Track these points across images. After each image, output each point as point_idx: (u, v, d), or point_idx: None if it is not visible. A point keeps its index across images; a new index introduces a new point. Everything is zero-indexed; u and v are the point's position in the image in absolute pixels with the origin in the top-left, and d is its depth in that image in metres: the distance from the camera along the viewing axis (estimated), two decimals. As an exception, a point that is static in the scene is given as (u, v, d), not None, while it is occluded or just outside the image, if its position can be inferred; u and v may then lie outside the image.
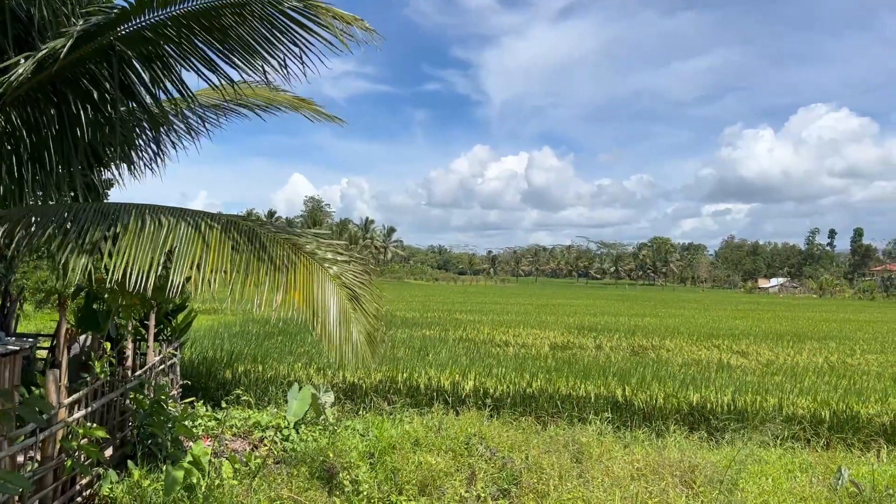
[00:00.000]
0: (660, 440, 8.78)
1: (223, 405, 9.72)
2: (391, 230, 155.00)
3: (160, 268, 4.97)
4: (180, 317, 10.32)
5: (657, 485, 6.67)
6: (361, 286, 5.98)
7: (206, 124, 8.18)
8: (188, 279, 4.98)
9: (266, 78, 5.82)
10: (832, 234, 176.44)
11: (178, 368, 9.79)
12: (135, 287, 4.77)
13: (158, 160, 7.59)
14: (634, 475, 6.95)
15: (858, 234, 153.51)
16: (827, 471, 7.61)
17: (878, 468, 7.68)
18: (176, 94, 6.15)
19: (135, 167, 7.66)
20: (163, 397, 7.41)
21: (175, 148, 7.99)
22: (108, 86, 5.99)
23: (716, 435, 9.45)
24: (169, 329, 10.07)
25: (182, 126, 7.81)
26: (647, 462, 7.27)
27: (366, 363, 5.54)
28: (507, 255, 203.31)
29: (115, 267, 4.79)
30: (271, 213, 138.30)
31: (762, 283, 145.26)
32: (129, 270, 4.77)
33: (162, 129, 7.44)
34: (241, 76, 5.69)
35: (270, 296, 5.07)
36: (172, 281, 4.90)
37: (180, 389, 9.82)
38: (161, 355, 8.85)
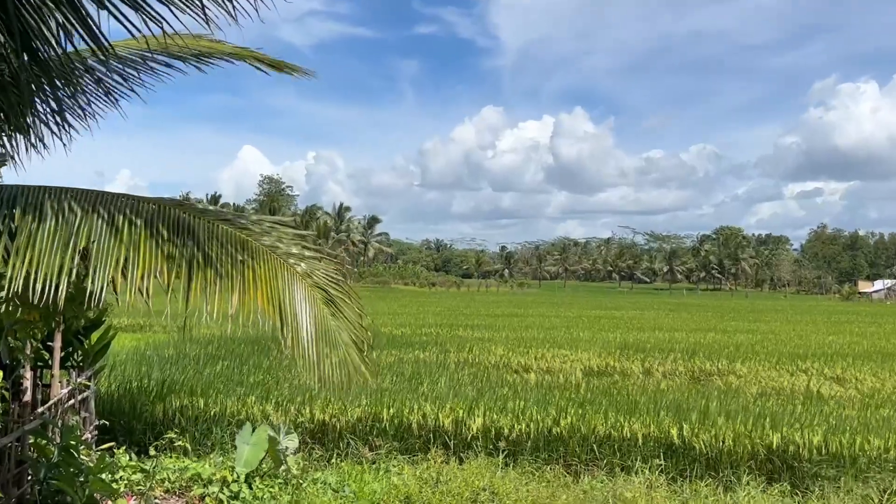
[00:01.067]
0: (728, 495, 8.79)
1: (152, 452, 9.72)
2: (374, 220, 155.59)
3: (74, 272, 4.98)
4: (95, 336, 10.30)
5: (725, 554, 6.68)
6: (337, 288, 6.03)
7: (127, 82, 8.15)
8: (111, 283, 5.01)
9: (205, 14, 5.79)
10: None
11: (92, 404, 9.78)
12: (42, 298, 4.77)
13: (63, 131, 7.57)
14: (695, 542, 6.95)
15: None
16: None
17: None
18: (83, 46, 6.10)
19: (34, 139, 7.64)
20: (73, 443, 7.40)
21: (87, 117, 7.96)
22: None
23: (802, 487, 9.45)
24: (80, 352, 10.04)
25: (93, 85, 7.78)
26: (711, 524, 7.28)
27: (358, 384, 5.61)
28: (526, 253, 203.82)
29: (13, 271, 4.78)
30: (215, 198, 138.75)
31: (863, 286, 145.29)
32: (32, 276, 4.77)
33: (66, 91, 7.41)
34: (174, 13, 5.64)
35: (224, 303, 5.13)
36: (91, 289, 4.91)
37: (96, 432, 9.81)
38: (70, 387, 8.84)
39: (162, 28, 5.62)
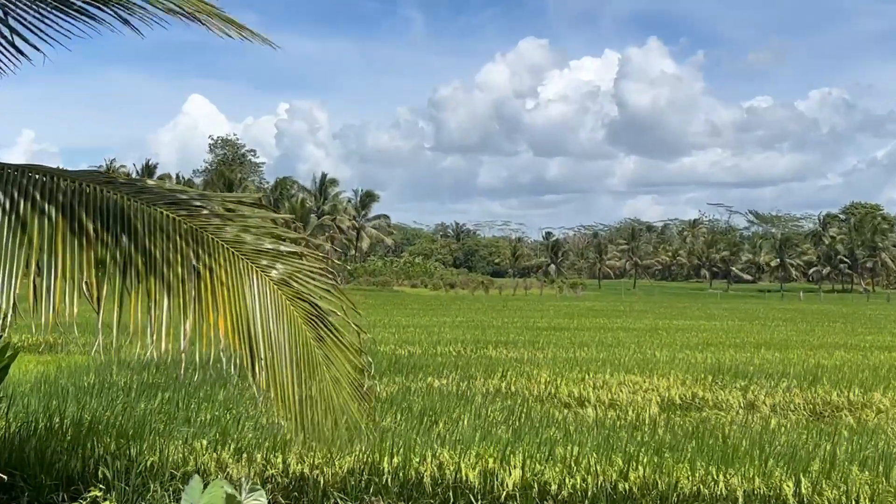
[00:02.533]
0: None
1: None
2: (369, 198, 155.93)
3: None
4: (-13, 358, 10.39)
5: None
6: (327, 296, 6.04)
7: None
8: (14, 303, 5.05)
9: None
10: None
11: (-16, 451, 9.85)
12: None
13: None
14: None
15: None
16: None
17: None
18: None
19: None
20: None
21: None
22: None
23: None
24: (-33, 380, 10.13)
25: None
26: None
27: (351, 434, 5.66)
28: (580, 241, 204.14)
29: None
30: (150, 168, 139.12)
31: None
32: None
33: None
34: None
35: (173, 327, 5.15)
36: None
37: (-10, 489, 9.88)
38: (-46, 427, 8.91)
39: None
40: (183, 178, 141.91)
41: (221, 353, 5.26)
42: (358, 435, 5.80)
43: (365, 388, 6.00)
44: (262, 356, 5.40)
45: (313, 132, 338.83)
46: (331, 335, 5.87)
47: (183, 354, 5.19)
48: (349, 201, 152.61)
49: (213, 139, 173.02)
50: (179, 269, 5.40)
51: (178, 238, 5.55)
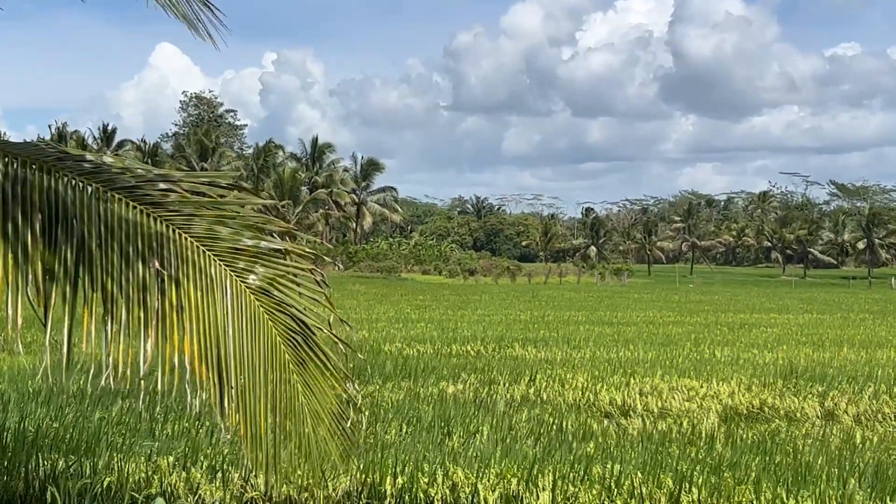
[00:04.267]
0: None
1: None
2: (372, 167, 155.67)
3: None
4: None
5: None
6: (313, 307, 6.01)
7: None
8: None
9: None
10: None
11: None
12: None
13: None
14: None
15: None
16: None
17: None
18: None
19: None
20: None
21: None
22: None
23: None
24: None
25: None
26: None
27: (331, 470, 5.69)
28: (627, 219, 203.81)
29: None
30: (107, 133, 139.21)
31: None
32: None
33: None
34: None
35: (131, 349, 5.18)
36: None
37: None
38: None
39: None
40: (148, 144, 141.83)
41: (186, 384, 5.26)
42: (335, 474, 5.81)
43: (349, 423, 5.98)
44: (234, 385, 5.38)
45: (305, 88, 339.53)
46: (314, 358, 5.82)
47: (142, 382, 5.20)
48: (347, 171, 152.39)
49: (185, 96, 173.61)
50: (138, 276, 5.37)
51: (137, 238, 5.50)
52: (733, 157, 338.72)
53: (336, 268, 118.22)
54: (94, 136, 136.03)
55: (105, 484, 11.11)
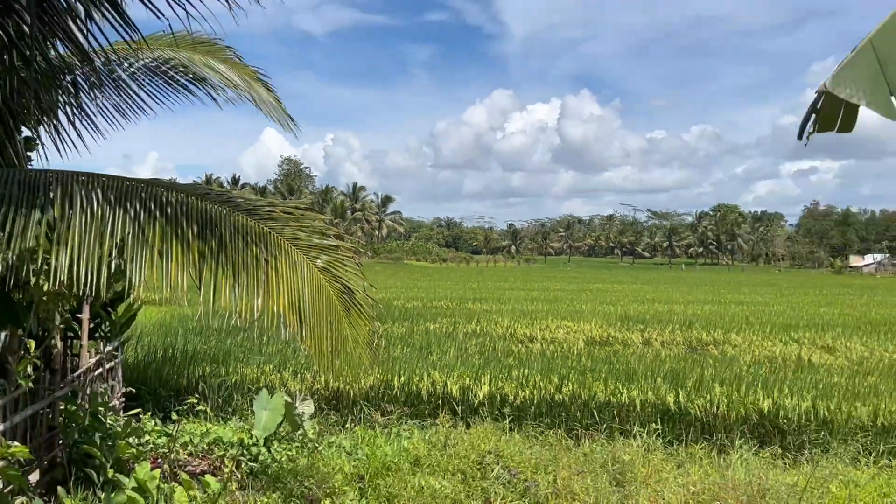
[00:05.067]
0: (722, 458, 8.78)
1: (175, 417, 9.77)
2: (387, 199, 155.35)
3: (112, 264, 5.03)
4: (121, 308, 10.33)
5: (718, 513, 6.68)
6: (354, 278, 6.00)
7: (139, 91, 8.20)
8: (145, 279, 5.06)
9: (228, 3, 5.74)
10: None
11: (119, 372, 9.84)
12: (84, 287, 4.82)
13: (81, 125, 7.60)
14: (689, 501, 6.96)
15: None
16: (933, 494, 7.59)
17: None
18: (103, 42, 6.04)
19: (58, 128, 7.64)
20: (101, 409, 7.44)
21: (107, 119, 8.00)
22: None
23: (792, 451, 9.44)
24: (108, 323, 10.07)
25: (112, 90, 7.82)
26: (705, 485, 7.27)
27: (364, 372, 5.67)
28: (532, 229, 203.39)
29: (56, 262, 4.82)
30: (235, 180, 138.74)
31: (854, 260, 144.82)
32: (75, 265, 4.81)
33: (91, 94, 7.46)
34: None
35: (249, 302, 5.16)
36: (131, 279, 4.97)
37: (123, 399, 9.87)
38: (98, 356, 8.88)
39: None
40: (258, 185, 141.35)
41: (281, 323, 5.27)
42: (366, 375, 5.79)
43: (374, 345, 5.99)
44: (308, 324, 5.39)
45: (349, 154, 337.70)
46: (354, 307, 5.83)
47: (255, 322, 5.19)
48: (373, 202, 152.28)
49: (281, 158, 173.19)
50: (253, 261, 5.37)
51: (252, 237, 5.50)
52: (593, 195, 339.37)
53: (367, 257, 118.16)
54: (227, 181, 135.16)
55: (232, 381, 11.06)
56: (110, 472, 7.02)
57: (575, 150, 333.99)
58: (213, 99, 8.61)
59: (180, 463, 8.13)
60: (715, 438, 9.76)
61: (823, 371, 13.59)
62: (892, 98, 3.34)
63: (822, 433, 9.66)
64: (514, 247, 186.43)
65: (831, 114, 3.51)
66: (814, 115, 3.54)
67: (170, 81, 8.40)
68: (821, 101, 3.49)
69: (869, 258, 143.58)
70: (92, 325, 9.56)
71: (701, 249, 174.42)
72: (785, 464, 8.91)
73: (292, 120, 9.10)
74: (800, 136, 3.57)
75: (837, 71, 3.45)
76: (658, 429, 9.74)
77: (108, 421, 7.68)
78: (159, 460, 8.03)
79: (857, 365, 14.65)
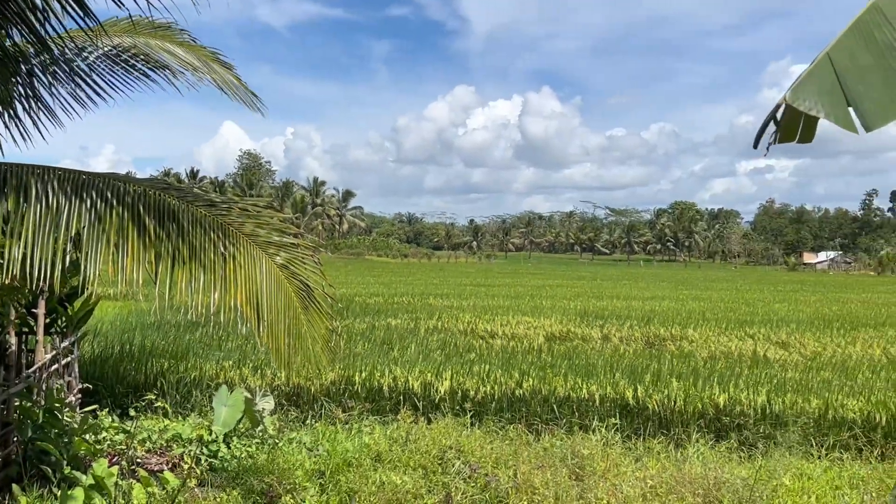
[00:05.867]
0: (679, 451, 8.92)
1: (133, 413, 9.66)
2: (348, 194, 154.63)
3: (67, 257, 4.95)
4: (78, 303, 10.18)
5: (675, 506, 6.78)
6: (314, 275, 5.98)
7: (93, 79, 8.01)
8: (101, 272, 4.99)
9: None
10: (894, 196, 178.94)
11: (76, 368, 9.70)
12: (38, 282, 4.74)
13: (39, 116, 7.43)
14: (647, 495, 7.05)
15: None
16: (882, 487, 7.79)
17: (943, 482, 7.86)
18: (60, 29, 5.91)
19: (15, 120, 7.47)
20: (57, 405, 7.33)
21: (64, 109, 7.82)
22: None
23: (748, 444, 9.60)
24: (64, 318, 9.93)
25: (66, 80, 7.65)
26: (662, 479, 7.38)
27: (322, 370, 5.65)
28: (493, 226, 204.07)
29: (9, 254, 4.74)
30: (194, 174, 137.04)
31: (808, 257, 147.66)
32: (29, 259, 4.73)
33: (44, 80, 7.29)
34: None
35: (206, 297, 5.12)
36: (87, 273, 4.90)
37: (79, 395, 9.73)
38: (54, 352, 8.75)
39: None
40: (217, 179, 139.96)
41: (238, 318, 5.24)
42: (325, 371, 5.80)
43: (332, 344, 5.98)
44: (265, 320, 5.37)
45: (310, 149, 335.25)
46: (313, 305, 5.82)
47: (212, 316, 5.16)
48: (334, 197, 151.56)
49: (240, 152, 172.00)
50: (211, 255, 5.33)
51: (211, 231, 5.46)
52: (554, 192, 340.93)
53: (328, 253, 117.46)
54: (186, 175, 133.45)
55: (191, 377, 10.95)
56: (67, 470, 6.92)
57: (536, 146, 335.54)
58: (173, 84, 8.44)
59: (138, 460, 8.04)
60: (672, 433, 9.89)
61: (778, 366, 13.85)
62: (850, 110, 3.42)
63: (776, 427, 9.84)
64: (475, 243, 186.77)
65: (791, 125, 3.57)
66: (773, 126, 3.60)
67: (128, 68, 8.23)
68: (780, 113, 3.55)
69: (822, 255, 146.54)
70: (48, 321, 9.42)
71: (659, 246, 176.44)
72: (740, 457, 9.07)
73: (257, 97, 8.96)
74: (755, 145, 3.63)
75: (797, 84, 3.52)
76: (617, 423, 9.83)
77: (65, 417, 7.58)
78: (117, 457, 7.94)
79: (810, 360, 14.95)
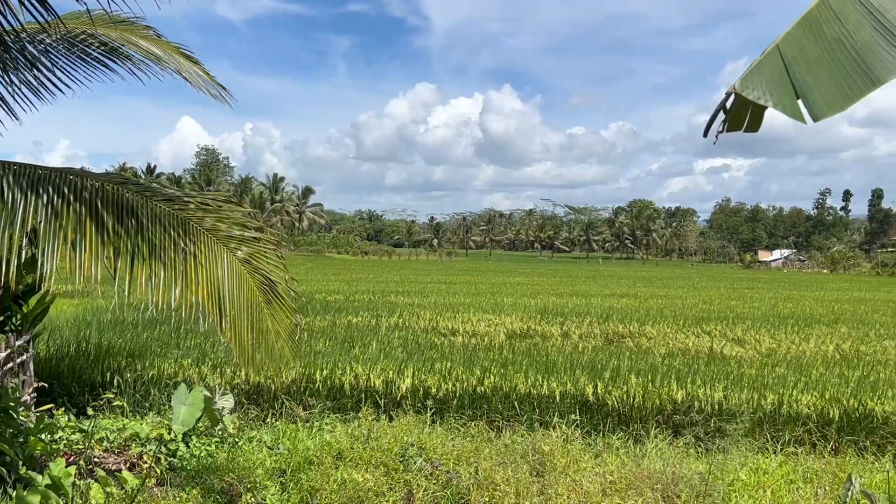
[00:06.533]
0: (638, 447, 9.02)
1: (91, 412, 9.51)
2: (308, 191, 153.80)
3: (23, 253, 4.86)
4: (33, 300, 10.00)
5: (634, 501, 6.86)
6: (276, 270, 5.95)
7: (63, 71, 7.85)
8: (58, 268, 4.91)
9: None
10: (847, 195, 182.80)
11: (31, 367, 9.51)
12: None
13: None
14: (607, 490, 7.13)
15: (878, 195, 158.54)
16: (835, 480, 7.96)
17: (894, 475, 8.06)
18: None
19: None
20: (12, 404, 7.18)
21: (19, 101, 7.66)
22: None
23: (705, 439, 9.74)
24: (19, 316, 9.75)
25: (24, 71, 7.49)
26: (622, 474, 7.47)
27: (286, 365, 5.61)
28: (454, 223, 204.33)
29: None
30: (151, 169, 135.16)
31: (763, 255, 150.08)
32: None
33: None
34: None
35: (167, 293, 5.05)
36: (43, 270, 4.82)
37: (34, 394, 9.55)
38: (8, 351, 8.58)
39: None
40: (175, 175, 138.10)
41: (199, 313, 5.18)
42: (288, 368, 5.78)
43: (296, 337, 5.95)
44: (228, 315, 5.33)
45: (269, 145, 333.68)
46: (276, 299, 5.79)
47: (173, 312, 5.10)
48: (294, 194, 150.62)
49: (198, 148, 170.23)
50: (171, 250, 5.27)
51: (170, 226, 5.40)
52: (514, 190, 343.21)
53: (288, 250, 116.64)
54: (142, 171, 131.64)
55: (149, 375, 10.81)
56: (22, 470, 6.80)
57: (497, 144, 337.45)
58: (135, 74, 8.30)
59: (96, 459, 7.93)
60: (631, 428, 10.00)
61: (734, 363, 14.06)
62: (798, 100, 3.51)
63: (732, 423, 10.00)
64: (435, 240, 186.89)
65: (739, 114, 3.66)
66: (722, 115, 3.69)
67: (86, 58, 8.06)
68: (730, 102, 3.64)
69: (777, 253, 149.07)
70: (2, 318, 9.25)
71: (617, 244, 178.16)
72: (697, 452, 9.20)
73: (224, 89, 8.84)
74: (706, 134, 3.71)
75: (746, 73, 3.61)
76: (577, 419, 9.92)
77: (20, 417, 7.44)
78: (74, 457, 7.81)
79: (765, 357, 15.21)
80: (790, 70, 3.56)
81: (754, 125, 3.70)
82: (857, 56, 3.48)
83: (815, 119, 3.46)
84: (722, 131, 3.71)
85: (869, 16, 3.50)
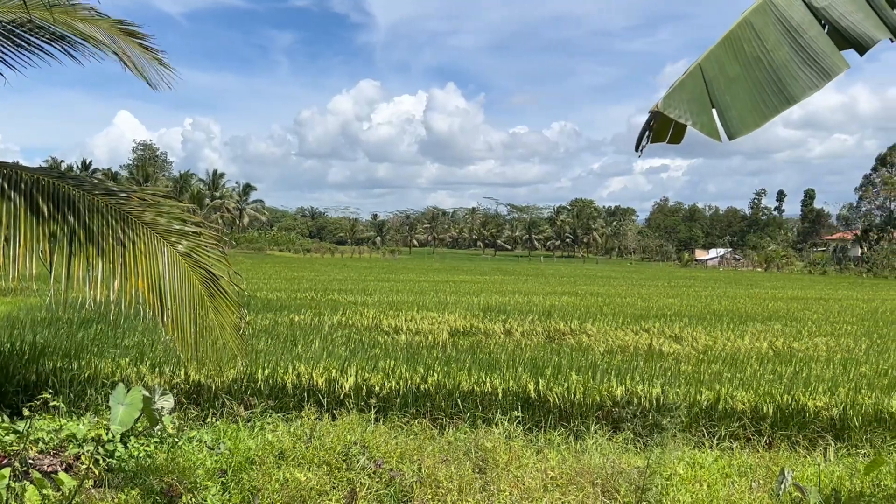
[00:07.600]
0: (578, 443, 9.14)
1: (26, 413, 9.26)
2: (249, 187, 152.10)
3: None
4: (-37, 299, 9.72)
5: (575, 496, 6.97)
6: (218, 264, 5.90)
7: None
8: None
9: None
10: (781, 196, 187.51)
11: (-40, 368, 9.24)
12: None
13: None
14: (548, 485, 7.22)
15: (810, 196, 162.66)
16: (769, 473, 8.18)
17: (825, 468, 8.34)
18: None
19: None
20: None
21: None
22: None
23: (644, 435, 9.92)
24: (-53, 316, 9.46)
25: None
26: (563, 470, 7.57)
27: (232, 358, 5.57)
28: (398, 221, 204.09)
29: None
30: (86, 165, 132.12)
31: (700, 254, 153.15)
32: None
33: None
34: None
35: (105, 286, 4.97)
36: None
37: (-36, 395, 9.28)
38: (-64, 351, 8.32)
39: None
40: (111, 171, 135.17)
41: (140, 306, 5.11)
42: (234, 361, 5.74)
43: (241, 331, 5.91)
44: (170, 308, 5.28)
45: (209, 140, 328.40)
46: (219, 293, 5.75)
47: (112, 305, 5.02)
48: (234, 190, 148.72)
49: (135, 143, 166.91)
50: (111, 242, 5.21)
51: (110, 218, 5.33)
52: (458, 188, 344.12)
53: (228, 247, 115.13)
54: (77, 166, 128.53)
55: (86, 375, 10.58)
56: (-48, 474, 6.60)
57: (441, 142, 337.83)
58: (73, 56, 8.05)
59: (31, 461, 7.73)
60: (572, 425, 10.12)
61: (672, 359, 14.34)
62: (715, 117, 3.62)
63: (671, 418, 10.20)
64: (379, 238, 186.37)
65: (663, 128, 3.78)
66: (648, 131, 3.80)
67: (19, 42, 7.78)
68: (654, 119, 3.75)
69: (713, 252, 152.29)
70: (-71, 318, 8.95)
71: (559, 242, 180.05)
72: (637, 448, 9.37)
73: (165, 66, 8.62)
74: (637, 148, 3.82)
75: (669, 92, 3.71)
76: (519, 416, 10.01)
77: (-51, 419, 7.22)
78: (8, 459, 7.61)
79: (702, 353, 15.53)
80: (710, 88, 3.67)
81: (677, 138, 3.81)
82: (774, 74, 3.60)
83: (731, 137, 3.56)
84: (646, 145, 3.81)
85: (787, 35, 3.61)
